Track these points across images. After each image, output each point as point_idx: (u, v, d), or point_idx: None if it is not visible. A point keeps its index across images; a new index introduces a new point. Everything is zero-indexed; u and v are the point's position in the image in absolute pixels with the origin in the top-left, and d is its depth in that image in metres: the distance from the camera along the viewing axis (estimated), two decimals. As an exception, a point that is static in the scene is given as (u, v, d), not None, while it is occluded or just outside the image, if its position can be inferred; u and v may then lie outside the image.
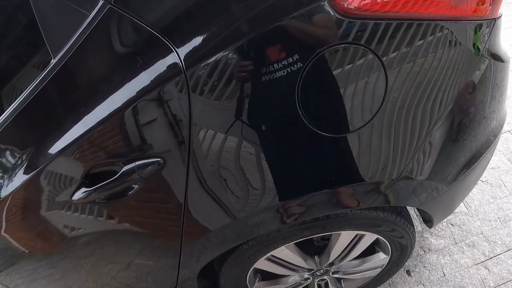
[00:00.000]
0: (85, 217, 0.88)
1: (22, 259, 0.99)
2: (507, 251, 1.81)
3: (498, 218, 1.94)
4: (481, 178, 1.97)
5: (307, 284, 1.54)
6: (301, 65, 0.74)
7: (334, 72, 0.77)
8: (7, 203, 0.85)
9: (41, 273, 1.03)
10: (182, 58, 0.72)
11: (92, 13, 0.71)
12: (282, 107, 0.79)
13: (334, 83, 0.78)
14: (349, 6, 0.72)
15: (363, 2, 0.73)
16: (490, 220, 1.94)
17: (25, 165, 0.80)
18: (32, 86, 0.75)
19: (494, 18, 0.90)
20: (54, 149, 0.78)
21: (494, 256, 1.80)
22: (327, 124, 0.82)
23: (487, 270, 1.76)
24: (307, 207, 0.97)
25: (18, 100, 0.77)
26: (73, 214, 0.87)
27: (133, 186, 0.83)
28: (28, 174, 0.81)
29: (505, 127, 2.34)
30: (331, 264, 1.39)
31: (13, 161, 0.82)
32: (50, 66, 0.74)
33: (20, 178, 0.81)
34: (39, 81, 0.74)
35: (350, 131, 0.83)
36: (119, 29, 0.73)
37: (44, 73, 0.74)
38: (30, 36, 0.85)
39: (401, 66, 0.80)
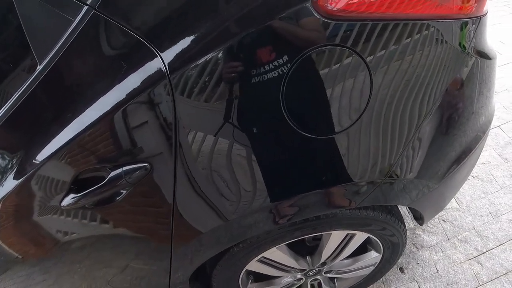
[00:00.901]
0: (77, 222, 0.88)
1: (15, 264, 0.99)
2: (500, 245, 1.82)
3: (490, 213, 1.95)
4: (471, 174, 1.99)
5: (300, 285, 1.54)
6: (285, 67, 0.74)
7: (319, 74, 0.77)
8: None
9: (35, 278, 1.02)
10: (166, 62, 0.72)
11: (77, 18, 0.71)
12: (268, 109, 0.79)
13: (318, 85, 0.78)
14: (332, 8, 0.72)
15: (346, 4, 0.73)
16: (481, 215, 1.95)
17: (15, 170, 0.80)
18: (21, 91, 0.74)
19: (480, 16, 0.91)
20: (42, 155, 0.77)
21: (487, 251, 1.81)
22: (312, 125, 0.82)
23: (480, 265, 1.77)
24: (299, 208, 0.97)
25: (7, 105, 0.76)
26: (65, 219, 0.87)
27: (121, 191, 0.83)
28: (18, 179, 0.80)
29: (495, 123, 2.36)
30: (323, 264, 1.39)
31: (3, 165, 0.81)
32: (37, 72, 0.73)
33: (10, 183, 0.81)
34: (27, 86, 0.74)
35: (336, 132, 0.83)
36: (104, 35, 0.73)
37: (31, 78, 0.73)
38: (18, 40, 0.84)
39: (388, 64, 0.80)
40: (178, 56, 0.72)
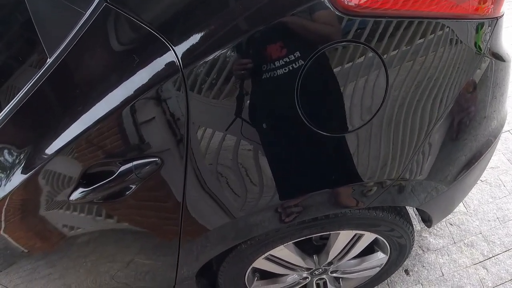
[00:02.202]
0: (84, 216, 0.88)
1: (21, 258, 0.99)
2: (506, 251, 1.81)
3: (497, 218, 1.94)
4: (480, 178, 1.97)
5: (306, 283, 1.54)
6: (301, 63, 0.74)
7: (334, 71, 0.76)
8: (6, 203, 0.85)
9: (40, 272, 1.03)
10: (179, 56, 0.71)
11: (88, 11, 0.70)
12: (281, 105, 0.79)
13: (333, 81, 0.77)
14: (349, 3, 0.72)
15: (363, 0, 0.72)
16: (489, 220, 1.94)
17: (23, 164, 0.80)
18: (29, 85, 0.74)
19: (496, 17, 0.90)
20: (51, 149, 0.77)
21: (493, 256, 1.80)
22: (326, 123, 0.81)
23: (485, 270, 1.75)
24: (306, 207, 0.96)
25: (16, 99, 0.76)
26: (72, 214, 0.87)
27: (131, 186, 0.82)
28: (26, 174, 0.80)
29: (505, 127, 2.33)
30: (330, 263, 1.38)
31: (11, 160, 0.81)
32: (46, 65, 0.73)
33: (18, 177, 0.81)
34: (35, 80, 0.74)
35: (349, 131, 0.83)
36: (116, 27, 0.72)
37: (41, 72, 0.73)
38: (27, 35, 0.84)
39: (401, 64, 0.79)
40: (191, 50, 0.71)
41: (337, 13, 0.72)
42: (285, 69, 0.74)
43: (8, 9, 0.89)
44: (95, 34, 0.72)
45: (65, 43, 0.71)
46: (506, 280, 1.71)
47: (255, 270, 1.38)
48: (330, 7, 0.71)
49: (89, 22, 0.70)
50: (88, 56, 0.74)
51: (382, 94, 0.81)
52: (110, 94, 0.73)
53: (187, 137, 0.78)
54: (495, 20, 0.90)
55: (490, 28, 0.90)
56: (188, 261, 1.07)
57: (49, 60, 0.72)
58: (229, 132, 0.79)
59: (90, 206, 0.86)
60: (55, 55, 0.72)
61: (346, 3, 0.71)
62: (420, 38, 0.78)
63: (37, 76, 0.73)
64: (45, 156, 0.78)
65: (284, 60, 0.73)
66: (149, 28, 0.71)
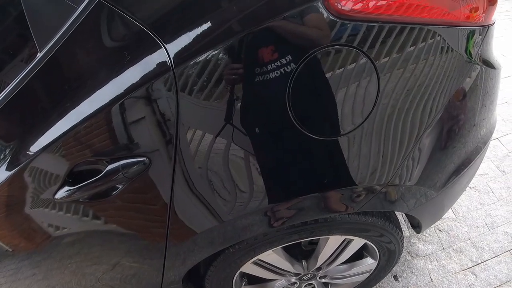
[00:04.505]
0: (69, 216, 0.86)
1: (5, 258, 0.97)
2: (495, 257, 1.82)
3: (486, 224, 1.95)
4: (469, 185, 1.99)
5: (294, 289, 1.53)
6: (292, 66, 0.73)
7: (326, 74, 0.76)
8: None
9: (24, 272, 1.00)
10: (171, 55, 0.70)
11: (81, 6, 0.70)
12: (272, 108, 0.78)
13: (325, 85, 0.77)
14: (343, 8, 0.71)
15: (357, 4, 0.72)
16: (477, 226, 1.95)
17: (8, 160, 0.78)
18: (18, 80, 0.73)
19: (488, 25, 0.90)
20: (38, 145, 0.76)
21: (482, 262, 1.81)
22: (318, 126, 0.81)
23: (474, 276, 1.76)
24: (295, 211, 0.95)
25: (3, 93, 0.74)
26: (57, 213, 0.85)
27: (118, 186, 0.81)
28: (10, 170, 0.78)
29: (494, 135, 2.35)
30: (319, 268, 1.38)
31: None
32: (37, 59, 0.71)
33: (3, 174, 0.79)
34: (24, 74, 0.72)
35: (340, 135, 0.82)
36: (108, 23, 0.72)
37: (30, 66, 0.72)
38: (19, 28, 0.83)
39: (393, 70, 0.79)
40: (184, 49, 0.71)
41: (331, 17, 0.71)
42: (276, 72, 0.73)
43: (1, 1, 0.88)
44: (86, 29, 0.71)
45: (56, 38, 0.70)
46: (495, 285, 1.72)
47: (243, 274, 1.36)
48: (324, 11, 0.71)
49: (82, 17, 0.69)
50: (78, 51, 0.73)
51: (373, 99, 0.80)
52: (99, 91, 0.72)
53: (176, 138, 0.77)
54: (486, 28, 0.90)
55: (481, 36, 0.90)
56: (175, 265, 1.05)
57: (39, 54, 0.71)
58: (219, 134, 0.78)
59: (76, 205, 0.84)
60: (45, 49, 0.71)
61: (340, 7, 0.71)
62: (412, 45, 0.78)
63: (27, 70, 0.72)
64: (31, 153, 0.76)
65: (276, 63, 0.72)
66: (141, 25, 0.70)
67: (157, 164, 0.79)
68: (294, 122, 0.78)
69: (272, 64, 0.73)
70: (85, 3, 0.70)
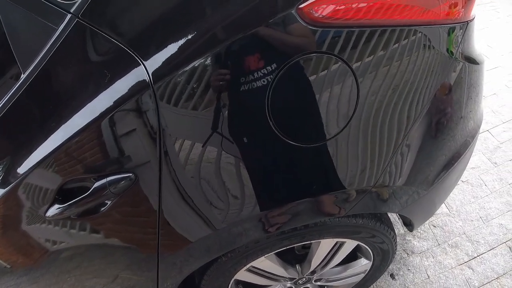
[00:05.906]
0: (64, 232, 0.86)
1: (4, 274, 0.96)
2: (491, 250, 1.82)
3: (480, 217, 1.95)
4: (461, 179, 1.99)
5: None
6: (271, 75, 0.73)
7: (304, 82, 0.75)
8: None
9: (23, 288, 1.01)
10: (150, 71, 0.70)
11: (60, 27, 0.69)
12: (254, 118, 0.78)
13: (304, 92, 0.77)
14: (317, 15, 0.71)
15: (331, 11, 0.71)
16: (472, 220, 1.95)
17: (1, 178, 0.78)
18: (6, 99, 0.73)
19: (467, 21, 0.90)
20: (25, 166, 0.76)
21: (478, 256, 1.81)
22: (298, 134, 0.81)
23: (471, 270, 1.76)
24: (288, 216, 0.95)
25: None
26: (53, 229, 0.85)
27: (106, 202, 0.81)
28: (4, 188, 0.78)
29: (484, 127, 2.37)
30: (313, 272, 1.37)
31: None
32: (21, 80, 0.72)
33: None
34: (11, 94, 0.73)
35: (323, 140, 0.82)
36: (88, 43, 0.71)
37: (16, 86, 0.72)
38: (4, 49, 0.83)
39: (376, 71, 0.79)
40: (163, 64, 0.71)
41: (305, 25, 0.71)
42: (255, 82, 0.73)
43: None
44: (67, 50, 0.71)
45: (38, 58, 0.70)
46: (493, 278, 1.72)
47: (238, 282, 1.35)
48: (298, 18, 0.70)
49: (61, 37, 0.69)
50: (61, 71, 0.73)
51: (354, 102, 0.80)
52: (81, 111, 0.72)
53: (161, 151, 0.77)
54: (466, 24, 0.90)
55: (461, 31, 0.90)
56: (170, 275, 1.05)
57: (23, 76, 0.71)
58: (206, 143, 0.78)
59: (69, 222, 0.84)
60: (29, 70, 0.71)
61: (314, 15, 0.71)
62: (393, 45, 0.78)
63: (13, 90, 0.72)
64: (23, 171, 0.76)
65: (254, 73, 0.72)
66: (119, 43, 0.70)
67: (143, 178, 0.79)
68: (276, 131, 0.78)
69: (249, 74, 0.72)
70: (64, 23, 0.69)
